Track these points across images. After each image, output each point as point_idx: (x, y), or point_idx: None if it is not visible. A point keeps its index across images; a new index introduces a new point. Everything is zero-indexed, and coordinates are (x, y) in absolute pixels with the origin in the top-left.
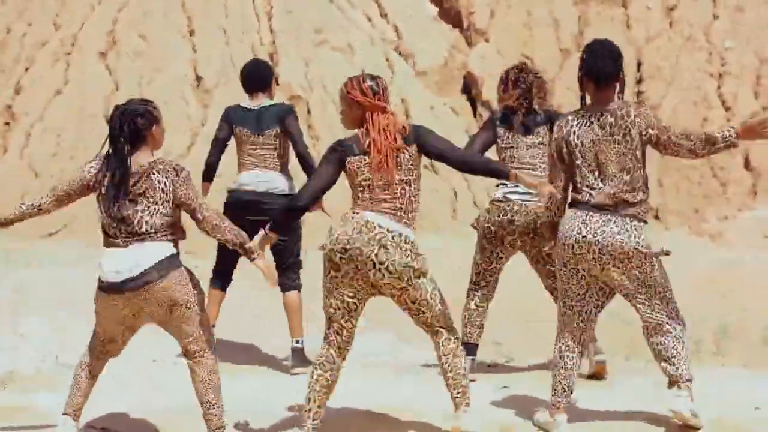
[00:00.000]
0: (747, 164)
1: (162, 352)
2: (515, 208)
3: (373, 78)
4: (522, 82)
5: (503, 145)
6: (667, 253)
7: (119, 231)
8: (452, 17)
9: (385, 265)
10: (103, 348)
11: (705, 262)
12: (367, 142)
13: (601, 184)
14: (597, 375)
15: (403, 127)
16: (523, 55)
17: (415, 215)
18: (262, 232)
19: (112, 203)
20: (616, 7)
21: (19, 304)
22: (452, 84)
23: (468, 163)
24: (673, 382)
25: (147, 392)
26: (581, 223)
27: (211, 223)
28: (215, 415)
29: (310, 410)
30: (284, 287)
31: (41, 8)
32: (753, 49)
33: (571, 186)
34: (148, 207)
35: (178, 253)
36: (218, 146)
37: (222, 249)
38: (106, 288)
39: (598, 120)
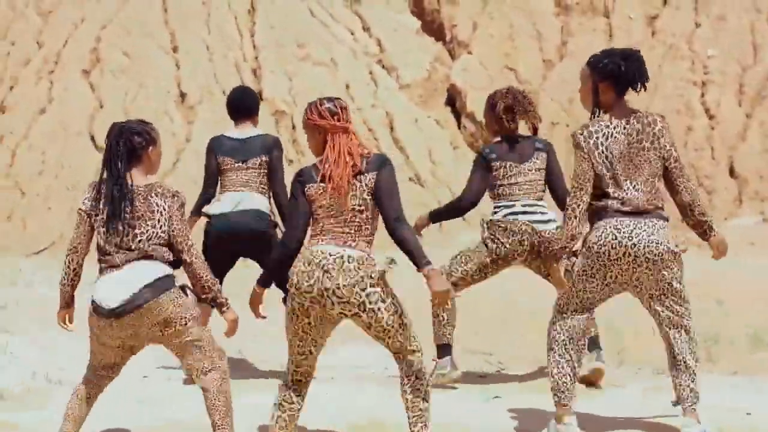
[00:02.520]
0: (732, 172)
1: (154, 367)
2: (523, 228)
3: (331, 100)
4: (514, 109)
5: (501, 178)
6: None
7: (117, 255)
8: (435, 30)
9: (331, 290)
10: (99, 375)
11: (692, 270)
12: (326, 167)
13: (630, 192)
14: (592, 381)
15: (368, 152)
16: (506, 67)
17: (364, 240)
18: (253, 290)
19: (111, 224)
20: (599, 17)
21: (6, 323)
22: (436, 97)
23: (398, 231)
24: (680, 403)
25: (138, 408)
26: (614, 229)
27: (195, 271)
28: None
29: None
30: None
31: (24, 27)
32: (735, 57)
33: (594, 196)
34: (147, 231)
35: (172, 273)
36: (211, 182)
37: (211, 264)
38: (100, 312)
39: (624, 128)
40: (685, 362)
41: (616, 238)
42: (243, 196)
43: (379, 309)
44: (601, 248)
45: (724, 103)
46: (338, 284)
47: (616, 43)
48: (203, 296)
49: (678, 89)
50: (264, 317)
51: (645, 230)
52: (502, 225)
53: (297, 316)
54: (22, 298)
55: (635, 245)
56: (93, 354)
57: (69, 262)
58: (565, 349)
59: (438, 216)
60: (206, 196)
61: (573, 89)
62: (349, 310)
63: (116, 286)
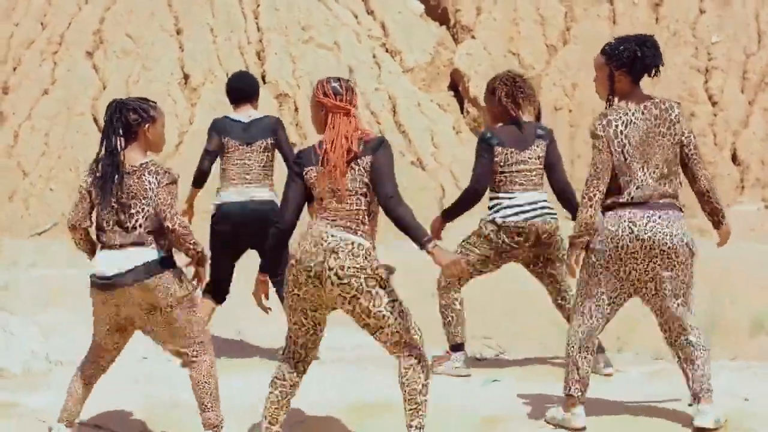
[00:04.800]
0: (735, 159)
1: (153, 348)
2: (527, 229)
3: (338, 80)
4: (514, 92)
5: (502, 163)
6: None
7: (113, 234)
8: (439, 14)
9: (334, 270)
10: (99, 356)
11: None
12: (323, 150)
13: (645, 177)
14: None
15: (367, 135)
16: (509, 52)
17: (371, 227)
18: (256, 280)
19: (104, 200)
20: (603, 3)
21: (7, 303)
22: (439, 81)
23: (392, 208)
24: (695, 397)
25: (138, 389)
26: (629, 222)
27: (178, 235)
28: (209, 418)
29: (262, 425)
30: (277, 284)
31: (28, 8)
32: (740, 44)
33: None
34: (142, 209)
35: (167, 257)
36: (210, 156)
37: (216, 258)
38: (93, 283)
39: (642, 114)
40: (694, 372)
41: (632, 232)
42: (249, 190)
43: (378, 292)
44: (618, 242)
45: (727, 90)
46: (343, 265)
47: (619, 29)
48: (188, 256)
49: (681, 75)
50: (269, 309)
51: (660, 222)
52: (505, 227)
53: (293, 287)
54: (23, 278)
55: (651, 238)
56: (94, 332)
57: (78, 239)
58: (584, 347)
59: (451, 213)
60: (201, 168)
61: (576, 74)
62: (348, 293)
63: (110, 261)
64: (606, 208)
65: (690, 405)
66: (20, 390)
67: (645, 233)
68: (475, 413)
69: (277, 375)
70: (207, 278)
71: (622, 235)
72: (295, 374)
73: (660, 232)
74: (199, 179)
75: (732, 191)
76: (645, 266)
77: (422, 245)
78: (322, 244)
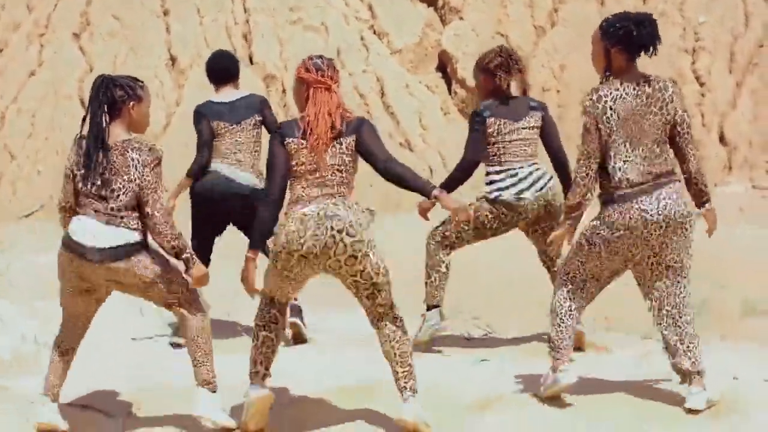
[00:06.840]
0: (722, 139)
1: (141, 330)
2: (522, 205)
3: (321, 57)
4: (509, 65)
5: (495, 134)
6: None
7: (91, 206)
8: None
9: (345, 230)
10: (68, 322)
11: None
12: (306, 122)
13: (634, 156)
14: (576, 347)
15: (348, 114)
16: (497, 33)
17: (349, 194)
18: (247, 257)
19: (87, 174)
20: None
21: (3, 289)
22: (427, 62)
23: (392, 169)
24: (686, 377)
25: (127, 370)
26: (641, 211)
27: (156, 226)
28: (201, 373)
29: (257, 372)
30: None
31: None
32: (727, 25)
33: (601, 166)
34: (124, 186)
35: (144, 238)
36: (207, 148)
37: (196, 227)
38: (70, 246)
39: (635, 90)
40: (685, 352)
41: (647, 220)
42: (237, 170)
43: (377, 260)
44: (633, 231)
45: (714, 71)
46: (351, 221)
47: (607, 10)
48: (168, 251)
49: (669, 56)
50: (257, 291)
51: (667, 198)
52: (500, 202)
53: (283, 270)
54: (11, 263)
55: (666, 217)
56: (61, 294)
57: (67, 221)
58: (569, 315)
59: (446, 189)
60: (201, 161)
61: (564, 56)
62: (355, 265)
63: (84, 229)
64: (609, 200)
65: (683, 384)
66: (11, 375)
67: (660, 214)
68: (464, 393)
69: (270, 319)
70: (202, 277)
71: (636, 225)
72: (281, 315)
73: (674, 208)
74: (197, 172)
75: (719, 172)
76: (657, 244)
77: (429, 194)
78: (328, 225)
